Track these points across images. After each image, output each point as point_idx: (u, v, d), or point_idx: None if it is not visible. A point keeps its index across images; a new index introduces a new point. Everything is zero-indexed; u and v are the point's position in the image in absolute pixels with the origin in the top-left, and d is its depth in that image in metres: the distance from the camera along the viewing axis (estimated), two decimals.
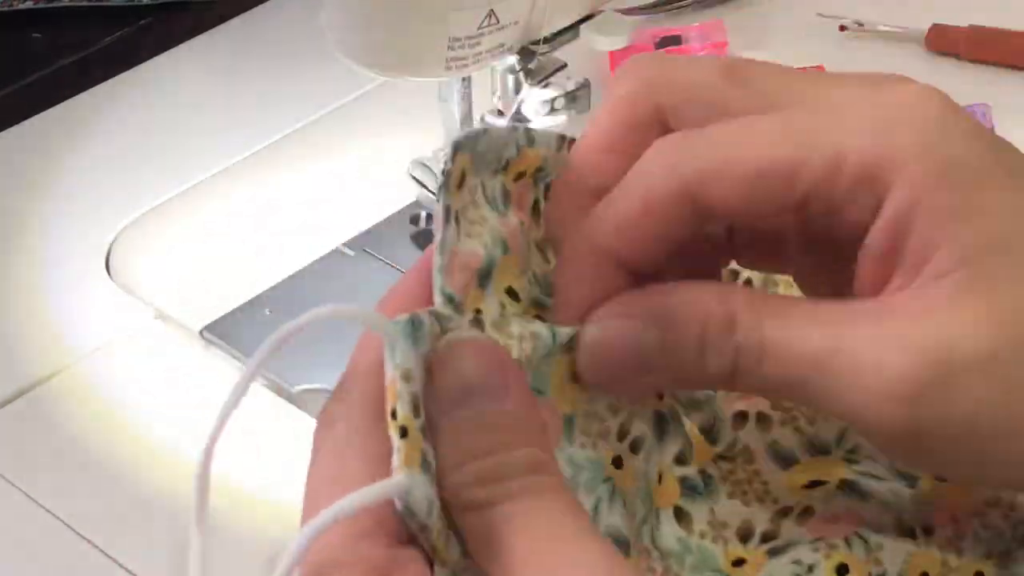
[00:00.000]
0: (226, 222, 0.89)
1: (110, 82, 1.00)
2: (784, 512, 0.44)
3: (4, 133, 0.96)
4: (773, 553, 0.44)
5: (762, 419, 0.45)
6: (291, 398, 0.77)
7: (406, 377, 0.36)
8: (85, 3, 1.06)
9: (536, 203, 0.42)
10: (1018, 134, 0.88)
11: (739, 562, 0.44)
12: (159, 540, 0.70)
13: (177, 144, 0.95)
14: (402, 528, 0.36)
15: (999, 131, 0.91)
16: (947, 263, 0.38)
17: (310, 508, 0.37)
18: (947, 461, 0.39)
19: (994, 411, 0.37)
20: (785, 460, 0.45)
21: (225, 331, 0.81)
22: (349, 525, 0.36)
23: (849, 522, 0.44)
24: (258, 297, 0.83)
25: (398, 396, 0.36)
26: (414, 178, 0.81)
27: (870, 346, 0.38)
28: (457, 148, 0.40)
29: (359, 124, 0.96)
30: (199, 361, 0.80)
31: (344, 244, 0.87)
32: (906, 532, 0.44)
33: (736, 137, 0.40)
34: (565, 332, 0.41)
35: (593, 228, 0.41)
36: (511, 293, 0.41)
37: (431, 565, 0.36)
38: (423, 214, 0.88)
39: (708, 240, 0.44)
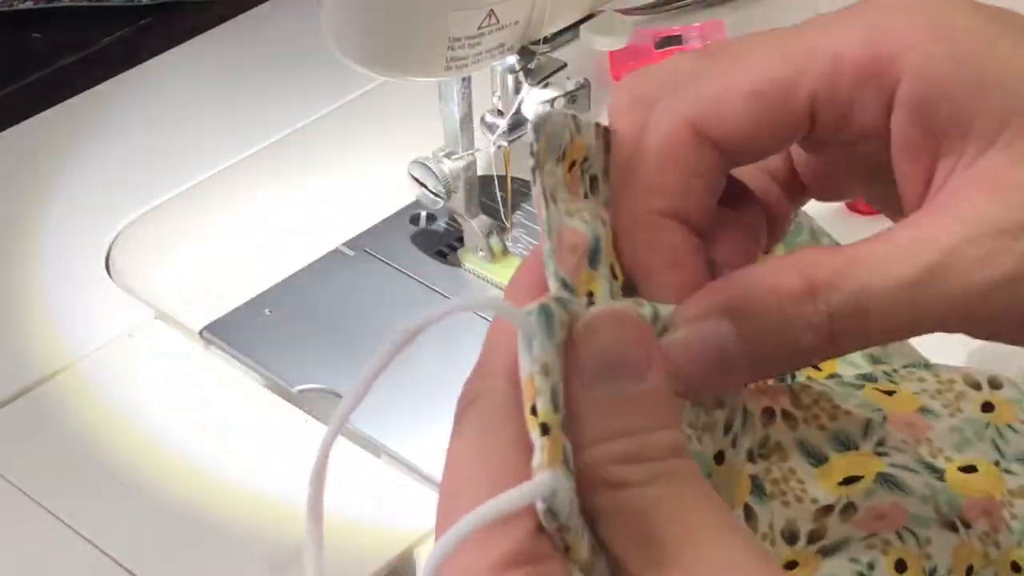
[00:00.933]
0: (226, 222, 0.89)
1: (110, 82, 1.00)
2: (826, 510, 0.44)
3: (4, 133, 0.96)
4: (825, 553, 0.43)
5: (787, 416, 0.44)
6: (291, 398, 0.77)
7: (545, 371, 0.35)
8: (85, 3, 1.06)
9: (584, 196, 0.41)
10: None
11: (791, 565, 0.43)
12: (159, 539, 0.70)
13: (177, 144, 0.95)
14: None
15: None
16: (990, 129, 0.38)
17: (452, 495, 0.36)
18: None
19: None
20: (815, 457, 0.44)
21: (225, 331, 0.81)
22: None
23: (896, 517, 0.44)
24: (258, 297, 0.83)
25: (538, 391, 0.34)
26: (414, 178, 0.81)
27: (964, 243, 0.37)
28: (538, 129, 0.38)
29: (359, 124, 0.96)
30: (199, 361, 0.80)
31: (344, 244, 0.87)
32: (947, 525, 0.44)
33: (726, 68, 0.40)
34: (665, 311, 0.39)
35: (634, 195, 0.40)
36: (611, 269, 0.39)
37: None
38: (423, 214, 0.88)
39: (776, 179, 0.44)
